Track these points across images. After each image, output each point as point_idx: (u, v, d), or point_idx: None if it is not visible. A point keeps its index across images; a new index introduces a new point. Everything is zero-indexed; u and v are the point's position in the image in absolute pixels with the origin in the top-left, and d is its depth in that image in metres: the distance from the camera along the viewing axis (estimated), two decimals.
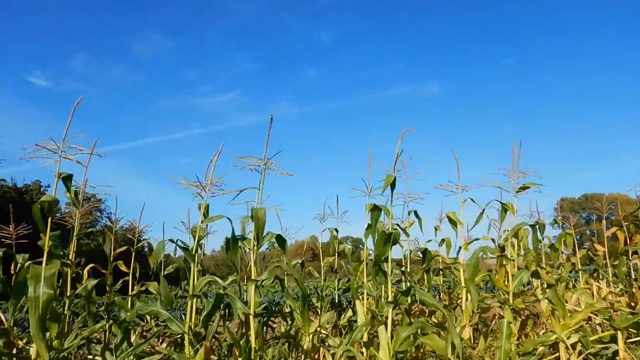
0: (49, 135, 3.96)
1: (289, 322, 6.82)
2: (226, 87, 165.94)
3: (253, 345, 4.42)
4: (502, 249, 5.65)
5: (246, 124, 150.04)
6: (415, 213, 5.89)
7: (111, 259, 6.47)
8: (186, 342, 4.45)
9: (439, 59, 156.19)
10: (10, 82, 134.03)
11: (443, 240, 7.56)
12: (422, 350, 5.65)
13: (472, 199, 5.93)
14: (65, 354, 4.67)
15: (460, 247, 6.49)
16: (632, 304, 6.39)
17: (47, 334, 4.13)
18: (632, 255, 8.61)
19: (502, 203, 5.49)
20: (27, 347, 4.60)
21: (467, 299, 6.43)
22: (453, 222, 6.22)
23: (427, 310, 6.63)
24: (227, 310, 7.94)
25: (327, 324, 6.81)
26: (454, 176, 5.94)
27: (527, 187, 5.33)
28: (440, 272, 9.01)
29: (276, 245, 4.70)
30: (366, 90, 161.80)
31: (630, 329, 5.82)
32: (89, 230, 5.90)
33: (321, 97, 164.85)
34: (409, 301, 5.58)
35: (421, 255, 6.31)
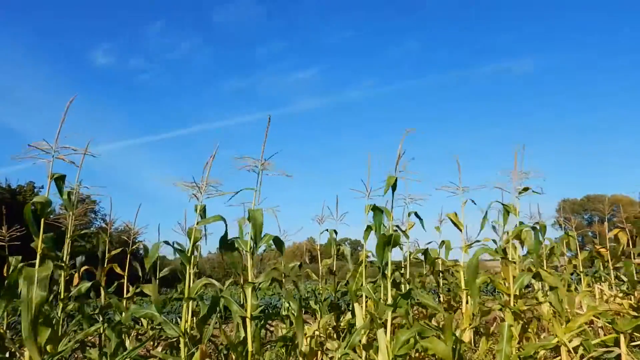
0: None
1: (287, 325, 6.81)
2: (307, 63, 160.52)
3: (250, 348, 4.41)
4: (504, 251, 5.64)
5: (313, 107, 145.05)
6: (416, 214, 5.88)
7: (106, 261, 6.45)
8: (182, 346, 4.44)
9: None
10: (73, 58, 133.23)
11: (443, 242, 7.55)
12: (422, 353, 5.64)
13: (472, 201, 5.92)
14: (59, 358, 4.65)
15: (460, 249, 6.49)
16: (636, 307, 6.38)
17: (46, 336, 4.11)
18: (635, 257, 8.61)
19: (503, 204, 5.48)
20: (22, 351, 4.59)
21: (467, 302, 6.43)
22: (453, 222, 6.22)
23: (427, 313, 6.62)
24: (225, 312, 7.93)
25: (326, 327, 6.79)
26: (455, 178, 5.95)
27: (529, 189, 5.33)
28: (440, 274, 9.00)
29: (273, 247, 4.69)
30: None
31: (633, 332, 5.82)
32: (83, 231, 5.89)
33: (413, 73, 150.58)
34: (409, 304, 5.57)
35: (421, 257, 6.31)
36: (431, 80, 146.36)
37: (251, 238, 4.31)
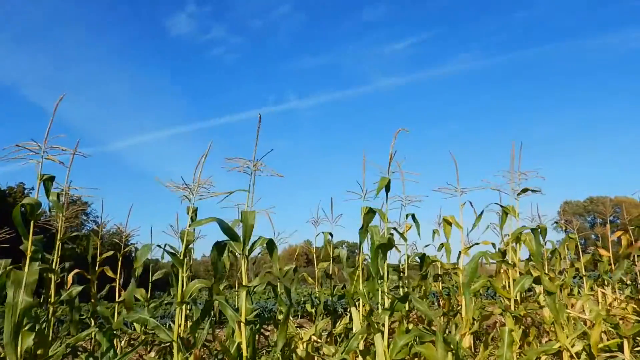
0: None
1: None
2: (404, 32, 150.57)
3: (244, 353, 4.40)
4: (503, 253, 5.64)
5: (395, 86, 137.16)
6: (413, 217, 5.86)
7: (97, 264, 6.44)
8: (175, 351, 4.42)
9: None
10: (148, 26, 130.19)
11: (442, 244, 7.55)
12: (422, 359, 5.64)
13: (470, 203, 5.91)
14: None
15: (459, 252, 6.48)
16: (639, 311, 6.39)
17: (29, 342, 4.09)
18: (637, 259, 8.61)
19: (502, 206, 5.48)
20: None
21: (466, 306, 6.43)
22: (449, 225, 6.20)
23: (425, 318, 6.62)
24: (219, 316, 7.93)
25: (322, 331, 6.79)
26: (452, 178, 5.94)
27: (529, 190, 5.33)
28: (440, 278, 8.99)
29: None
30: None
31: (637, 337, 5.82)
32: (74, 234, 5.87)
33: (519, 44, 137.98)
34: (407, 308, 5.56)
35: (419, 261, 6.30)
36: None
37: (242, 241, 4.30)
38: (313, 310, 7.57)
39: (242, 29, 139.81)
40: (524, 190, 5.34)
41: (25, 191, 46.60)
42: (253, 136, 4.25)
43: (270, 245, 4.53)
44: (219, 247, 4.31)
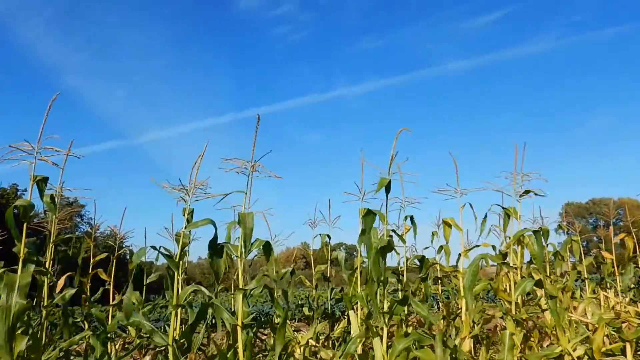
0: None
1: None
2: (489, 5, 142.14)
3: (241, 357, 4.40)
4: (504, 256, 5.64)
5: (461, 69, 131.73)
6: (411, 219, 5.86)
7: (91, 266, 6.44)
8: (170, 355, 4.43)
9: None
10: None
11: (442, 247, 7.54)
12: None
13: (470, 205, 5.91)
14: None
15: (459, 255, 6.47)
16: None
17: (23, 345, 4.09)
18: None
19: (504, 208, 5.48)
20: None
21: (467, 309, 6.43)
22: (449, 227, 6.20)
23: (424, 321, 6.62)
24: (214, 320, 7.93)
25: (320, 335, 6.79)
26: (452, 179, 5.94)
27: (531, 192, 5.33)
28: (439, 281, 8.99)
29: None
30: None
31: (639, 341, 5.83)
32: (67, 236, 5.87)
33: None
34: (406, 311, 5.57)
35: (418, 263, 6.30)
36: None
37: (241, 243, 4.30)
38: (310, 314, 7.57)
39: (314, 4, 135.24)
40: (526, 192, 5.34)
41: (19, 192, 46.47)
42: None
43: (267, 248, 4.52)
44: (216, 249, 4.31)
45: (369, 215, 4.90)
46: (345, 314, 7.30)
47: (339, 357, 5.11)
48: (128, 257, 6.54)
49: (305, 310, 8.11)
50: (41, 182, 4.04)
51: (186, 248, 6.31)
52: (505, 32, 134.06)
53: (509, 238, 5.53)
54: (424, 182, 5.66)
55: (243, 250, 4.35)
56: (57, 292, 5.67)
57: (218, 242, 4.35)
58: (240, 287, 4.49)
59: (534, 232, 5.42)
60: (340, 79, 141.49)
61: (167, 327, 7.22)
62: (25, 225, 3.94)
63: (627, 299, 8.40)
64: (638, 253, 8.52)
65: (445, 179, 5.63)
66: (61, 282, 5.98)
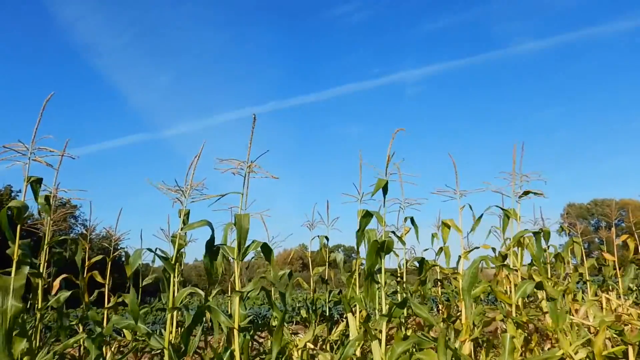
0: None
1: None
2: None
3: None
4: (504, 257, 5.65)
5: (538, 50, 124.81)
6: (412, 220, 5.87)
7: (86, 268, 6.44)
8: (166, 358, 4.44)
9: None
10: None
11: (441, 249, 7.55)
12: None
13: (469, 206, 5.92)
14: None
15: (459, 256, 6.48)
16: None
17: (22, 347, 4.10)
18: None
19: (503, 209, 5.49)
20: None
21: (466, 312, 6.44)
22: (447, 228, 6.20)
23: (424, 324, 6.63)
24: (211, 323, 7.93)
25: (318, 338, 6.80)
26: (452, 181, 5.95)
27: (530, 192, 5.34)
28: (439, 283, 9.00)
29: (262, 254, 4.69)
30: None
31: None
32: (62, 238, 5.88)
33: None
34: (405, 314, 5.58)
35: (417, 265, 6.31)
36: None
37: (237, 245, 4.30)
38: (308, 317, 7.57)
39: None
40: (526, 193, 5.36)
41: (13, 194, 46.47)
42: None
43: (266, 250, 4.53)
44: (212, 250, 4.32)
45: (366, 216, 4.91)
46: (344, 316, 7.30)
47: None
48: (124, 259, 6.53)
49: (303, 312, 8.11)
50: (35, 183, 4.05)
51: (182, 250, 6.33)
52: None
53: (509, 240, 5.54)
54: (424, 184, 5.67)
55: (238, 252, 4.35)
56: (51, 294, 5.67)
57: (214, 244, 4.35)
58: (237, 289, 4.50)
59: (534, 233, 5.43)
60: (399, 61, 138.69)
61: (163, 330, 7.24)
62: (19, 226, 3.94)
63: (630, 301, 8.41)
64: None
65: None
66: (56, 285, 5.99)
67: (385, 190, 4.86)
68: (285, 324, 5.81)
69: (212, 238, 4.29)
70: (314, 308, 7.71)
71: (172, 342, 4.57)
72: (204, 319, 6.40)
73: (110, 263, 6.87)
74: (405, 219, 5.85)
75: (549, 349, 6.05)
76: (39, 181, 4.07)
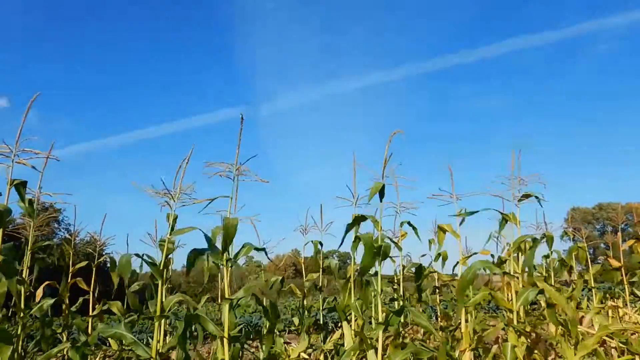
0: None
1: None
2: None
3: None
4: (501, 262, 5.67)
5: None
6: (409, 223, 5.90)
7: (69, 275, 6.45)
8: None
9: None
10: None
11: (439, 254, 7.56)
12: None
13: (466, 210, 5.95)
14: None
15: (457, 262, 6.51)
16: None
17: (7, 355, 4.12)
18: None
19: (502, 213, 5.52)
20: None
21: (467, 320, 6.46)
22: (443, 233, 6.23)
23: (422, 332, 6.67)
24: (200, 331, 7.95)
25: (312, 347, 6.82)
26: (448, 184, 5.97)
27: (529, 196, 5.36)
28: (437, 290, 9.03)
29: (254, 260, 4.72)
30: None
31: None
32: (45, 243, 5.89)
33: None
34: (402, 322, 5.61)
35: (414, 271, 6.33)
36: None
37: (222, 250, 4.29)
38: (300, 325, 7.59)
39: None
40: (526, 196, 5.38)
41: None
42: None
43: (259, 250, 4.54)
44: (194, 254, 4.32)
45: (359, 220, 4.95)
46: (339, 325, 7.33)
47: None
48: (109, 265, 6.53)
49: (296, 321, 8.14)
50: (20, 186, 4.07)
51: (170, 255, 6.34)
52: None
53: (509, 245, 5.57)
54: (421, 188, 5.69)
55: (229, 257, 4.37)
56: (34, 302, 5.69)
57: (201, 249, 4.36)
58: (227, 296, 4.51)
59: (533, 239, 5.46)
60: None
61: (150, 339, 7.26)
62: (1, 230, 3.96)
63: (638, 309, 8.44)
64: None
65: None
66: (39, 292, 6.01)
67: (382, 194, 4.88)
68: (278, 332, 5.85)
69: (210, 243, 4.31)
70: (307, 316, 7.72)
71: (160, 351, 4.58)
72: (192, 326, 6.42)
73: (95, 269, 6.88)
74: (402, 223, 5.87)
75: (552, 359, 6.08)
76: (23, 184, 4.09)
